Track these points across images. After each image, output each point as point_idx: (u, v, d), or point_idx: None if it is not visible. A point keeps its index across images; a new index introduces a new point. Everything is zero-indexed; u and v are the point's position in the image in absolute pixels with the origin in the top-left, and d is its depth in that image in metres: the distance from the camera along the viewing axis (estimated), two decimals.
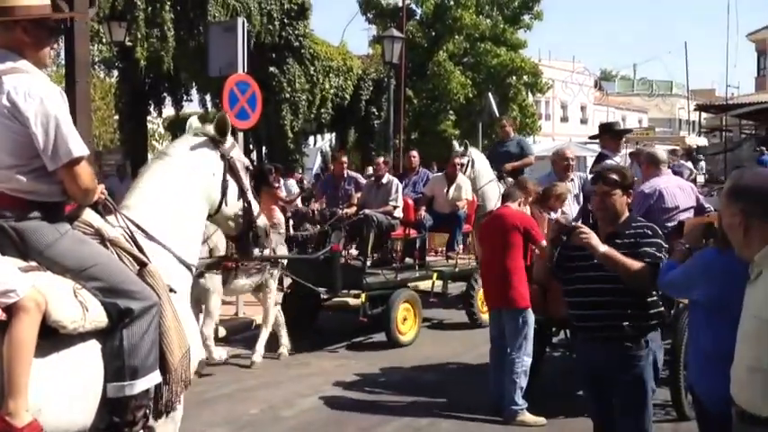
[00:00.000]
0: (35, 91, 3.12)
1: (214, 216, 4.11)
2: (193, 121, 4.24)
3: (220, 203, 4.03)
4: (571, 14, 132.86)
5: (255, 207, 4.24)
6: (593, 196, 4.39)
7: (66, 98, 3.26)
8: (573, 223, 4.72)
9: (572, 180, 7.94)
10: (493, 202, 10.23)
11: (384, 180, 9.80)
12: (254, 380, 7.47)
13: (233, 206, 4.10)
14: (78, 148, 3.17)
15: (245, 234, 4.24)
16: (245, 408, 6.60)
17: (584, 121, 48.03)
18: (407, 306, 8.94)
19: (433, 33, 24.30)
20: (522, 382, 6.08)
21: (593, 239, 4.08)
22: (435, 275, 9.71)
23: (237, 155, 4.14)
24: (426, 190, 10.47)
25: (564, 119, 47.34)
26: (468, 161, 10.49)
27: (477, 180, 10.62)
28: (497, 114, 18.41)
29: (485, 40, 24.36)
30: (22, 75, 3.15)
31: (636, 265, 4.01)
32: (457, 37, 24.05)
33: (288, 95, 16.99)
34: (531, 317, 6.22)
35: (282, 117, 16.87)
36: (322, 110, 18.16)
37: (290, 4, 16.28)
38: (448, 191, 10.22)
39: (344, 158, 11.06)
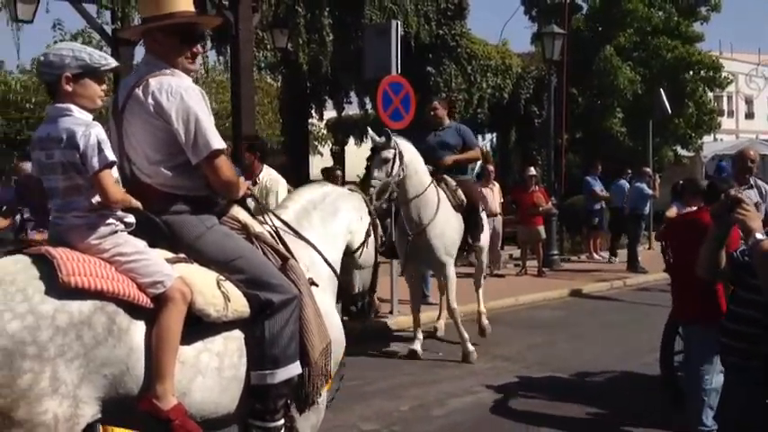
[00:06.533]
0: (176, 89, 3.27)
1: (347, 256, 4.36)
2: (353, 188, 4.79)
3: (359, 248, 4.39)
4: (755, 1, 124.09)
5: (375, 283, 4.67)
6: None
7: (206, 96, 3.41)
8: (738, 194, 3.39)
9: (751, 187, 6.72)
10: (432, 211, 7.75)
11: None
12: (407, 377, 7.47)
13: (366, 261, 4.49)
14: (217, 141, 3.31)
15: (355, 299, 4.57)
16: (396, 404, 6.63)
17: None
18: None
19: (600, 28, 23.51)
20: (713, 400, 5.10)
21: (752, 221, 3.16)
22: None
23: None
24: None
25: (749, 115, 43.93)
26: (395, 154, 7.37)
27: (410, 183, 7.55)
28: (669, 111, 17.46)
29: (658, 34, 23.27)
30: (165, 76, 3.33)
31: None
32: (627, 31, 23.12)
33: (444, 95, 16.90)
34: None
35: None
36: (479, 110, 17.95)
37: (446, 4, 16.21)
38: None
39: None
